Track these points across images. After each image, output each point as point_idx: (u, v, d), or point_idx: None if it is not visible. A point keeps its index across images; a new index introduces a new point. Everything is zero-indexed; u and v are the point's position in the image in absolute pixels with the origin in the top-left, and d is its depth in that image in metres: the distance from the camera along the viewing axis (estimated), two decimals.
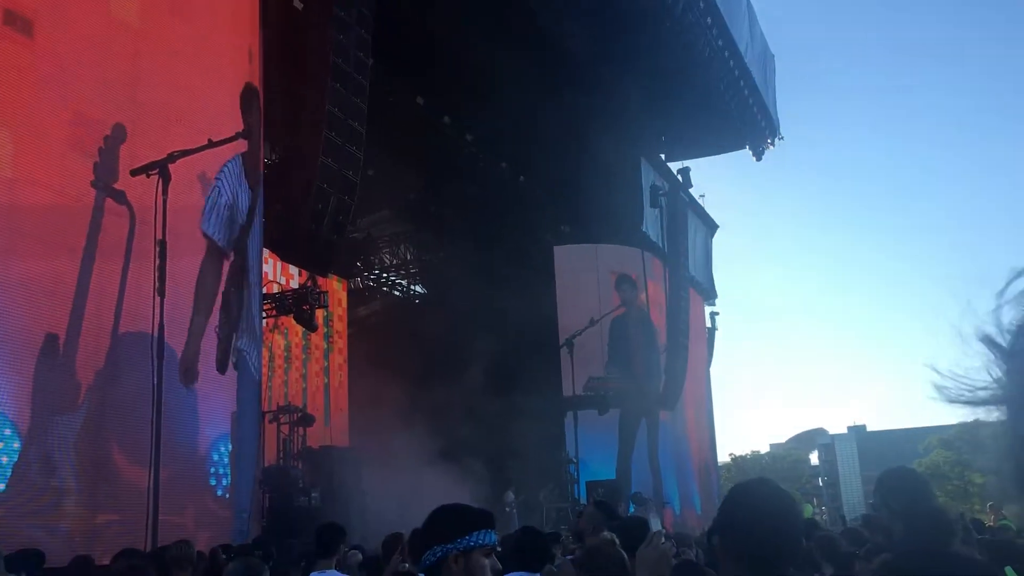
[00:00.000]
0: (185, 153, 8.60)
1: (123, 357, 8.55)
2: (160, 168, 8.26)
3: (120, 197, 8.84)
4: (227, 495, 9.85)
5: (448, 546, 2.47)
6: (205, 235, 10.05)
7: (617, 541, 5.25)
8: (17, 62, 8.34)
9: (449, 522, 2.56)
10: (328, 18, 12.03)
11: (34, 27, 8.46)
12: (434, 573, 2.49)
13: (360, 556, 6.91)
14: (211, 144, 8.87)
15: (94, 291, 8.48)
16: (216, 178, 10.17)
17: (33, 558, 6.21)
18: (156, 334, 7.96)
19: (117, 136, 8.92)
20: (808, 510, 35.58)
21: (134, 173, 8.43)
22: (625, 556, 4.54)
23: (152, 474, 7.59)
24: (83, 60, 8.91)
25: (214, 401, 9.81)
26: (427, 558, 2.49)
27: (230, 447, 9.94)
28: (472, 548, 2.48)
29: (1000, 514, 15.71)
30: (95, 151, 8.73)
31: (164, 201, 8.15)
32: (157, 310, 7.99)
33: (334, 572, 5.45)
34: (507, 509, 16.87)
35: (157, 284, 8.10)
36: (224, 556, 6.14)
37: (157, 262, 8.15)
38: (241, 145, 9.63)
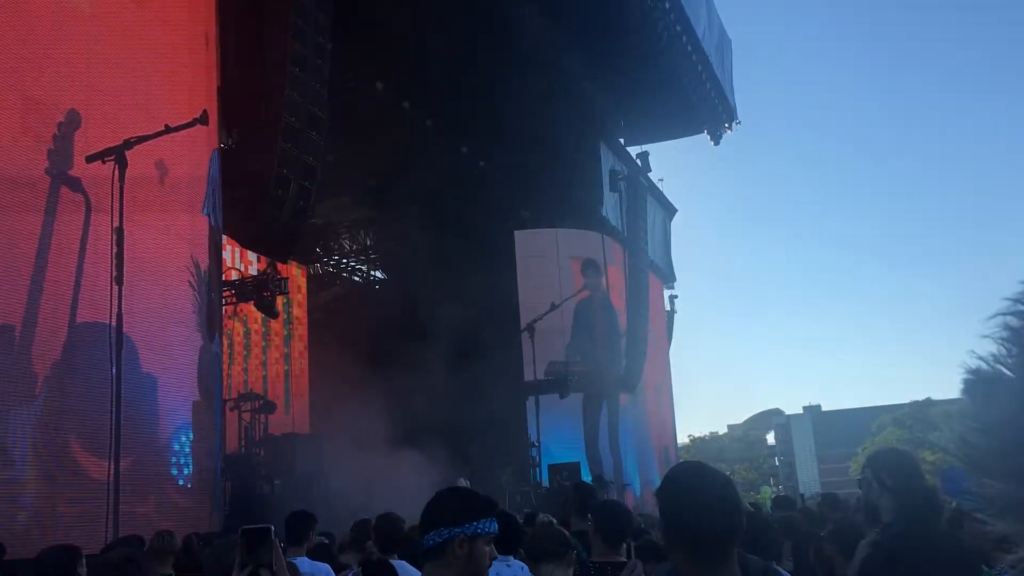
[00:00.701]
0: (142, 139, 8.47)
1: (81, 347, 8.42)
2: (116, 154, 8.14)
3: (75, 184, 8.68)
4: (189, 484, 9.78)
5: (455, 530, 2.47)
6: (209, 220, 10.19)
7: (554, 521, 5.35)
8: None
9: (457, 506, 2.57)
10: (287, 2, 11.90)
11: None
12: (434, 555, 2.48)
13: (326, 542, 6.91)
14: (168, 130, 8.75)
15: (50, 280, 8.33)
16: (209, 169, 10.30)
17: None
18: (114, 323, 7.87)
19: (71, 122, 8.75)
20: (766, 492, 36.11)
21: (90, 159, 8.30)
22: (566, 533, 4.62)
23: (112, 464, 7.51)
24: (35, 45, 8.71)
25: (174, 390, 9.71)
26: (431, 538, 2.48)
27: (191, 436, 9.86)
28: (478, 535, 2.49)
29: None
30: (49, 137, 8.56)
31: (121, 188, 8.04)
32: (115, 299, 7.90)
33: (305, 559, 5.44)
34: None
35: (115, 272, 8.00)
36: (200, 543, 6.08)
37: (114, 250, 8.04)
38: (200, 131, 9.50)
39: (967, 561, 3.10)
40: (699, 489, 2.04)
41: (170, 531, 6.19)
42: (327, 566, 5.57)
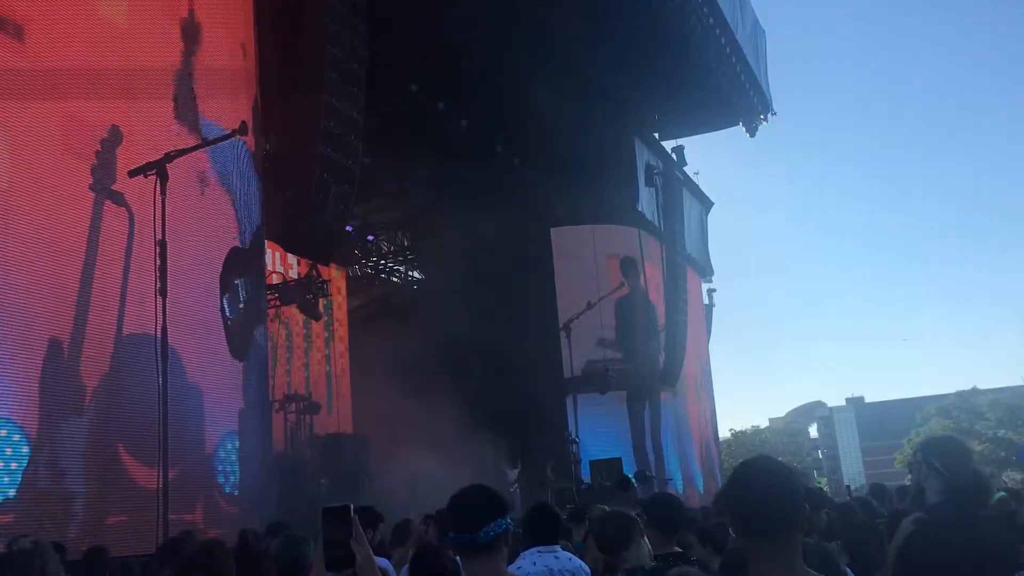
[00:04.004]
0: (182, 152, 8.58)
1: (127, 359, 8.59)
2: (158, 168, 8.25)
3: (118, 199, 8.84)
4: (236, 492, 9.92)
5: (506, 522, 2.70)
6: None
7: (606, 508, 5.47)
8: (9, 67, 8.33)
9: (501, 501, 2.76)
10: (322, 8, 12.01)
11: (25, 32, 8.44)
12: (493, 545, 2.66)
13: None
14: (207, 142, 8.88)
15: (96, 293, 8.50)
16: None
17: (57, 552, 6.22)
18: (159, 335, 7.98)
19: (113, 138, 8.91)
20: (823, 481, 35.78)
21: (132, 174, 8.41)
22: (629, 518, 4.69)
23: (160, 474, 7.64)
24: (75, 63, 8.89)
25: (219, 399, 9.86)
26: (492, 530, 2.65)
27: (237, 444, 10.01)
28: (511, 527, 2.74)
29: (1000, 482, 15.94)
30: (91, 154, 8.72)
31: (163, 201, 8.15)
32: (159, 311, 8.01)
33: None
34: (511, 489, 17.00)
35: (158, 284, 8.11)
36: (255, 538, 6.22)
37: (158, 262, 8.15)
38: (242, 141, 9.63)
39: (1009, 545, 3.19)
40: (755, 476, 2.23)
41: (189, 531, 6.32)
42: (387, 561, 5.71)
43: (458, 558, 4.09)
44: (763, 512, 2.14)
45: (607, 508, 5.96)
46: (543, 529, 4.52)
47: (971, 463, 3.47)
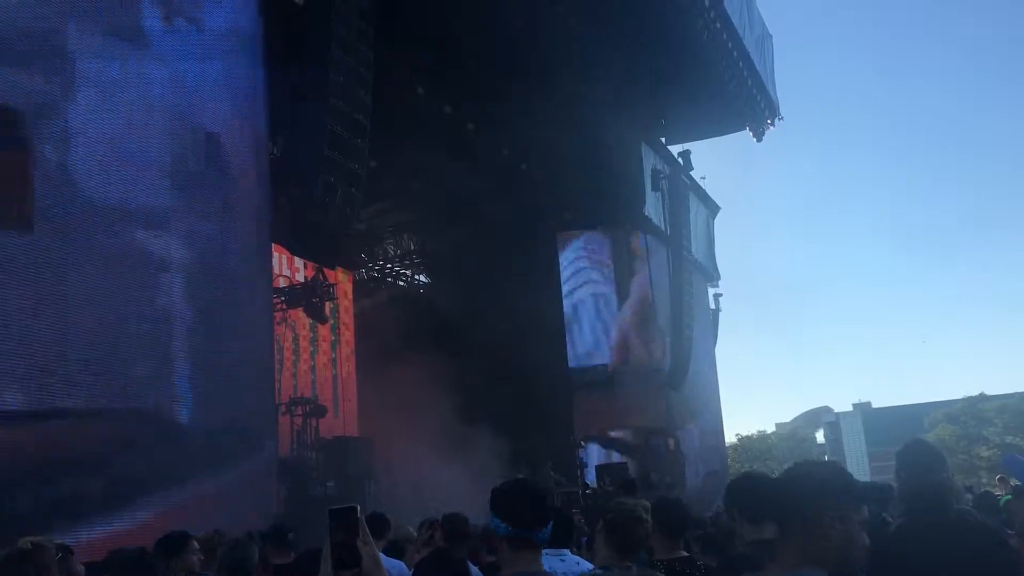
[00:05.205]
0: None
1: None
2: None
3: None
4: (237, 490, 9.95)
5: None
6: None
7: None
8: None
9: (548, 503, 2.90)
10: (329, 12, 12.07)
11: None
12: (542, 544, 2.86)
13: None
14: None
15: None
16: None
17: None
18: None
19: None
20: None
21: None
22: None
23: None
24: None
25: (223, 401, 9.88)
26: (548, 530, 2.85)
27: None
28: None
29: (1009, 486, 15.89)
30: None
31: None
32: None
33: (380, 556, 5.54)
34: None
35: None
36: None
37: None
38: (245, 139, 9.67)
39: (965, 557, 3.19)
40: (759, 479, 2.39)
41: (219, 530, 6.30)
42: (401, 563, 5.70)
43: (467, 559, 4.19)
44: (766, 513, 2.23)
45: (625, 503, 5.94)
46: (553, 533, 4.54)
47: (936, 473, 3.43)
